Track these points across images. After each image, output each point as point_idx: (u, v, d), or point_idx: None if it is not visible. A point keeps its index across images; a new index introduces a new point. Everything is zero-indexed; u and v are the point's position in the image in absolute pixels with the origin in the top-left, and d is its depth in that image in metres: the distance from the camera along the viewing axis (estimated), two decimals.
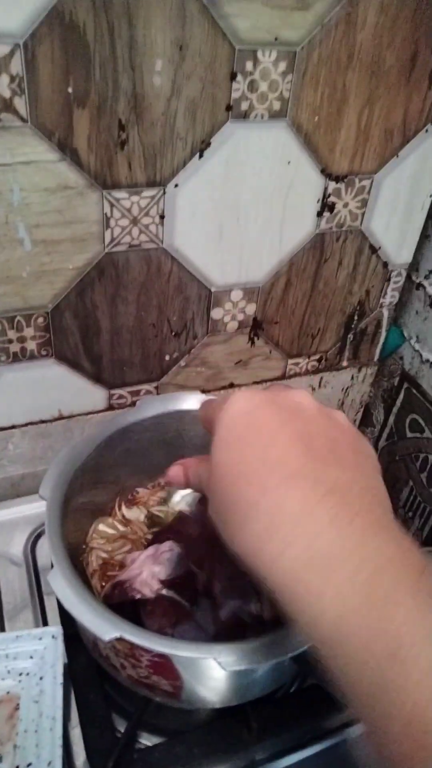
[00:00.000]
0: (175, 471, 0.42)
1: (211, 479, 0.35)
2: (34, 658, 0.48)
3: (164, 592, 0.50)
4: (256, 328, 0.69)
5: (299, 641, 0.41)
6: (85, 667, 0.54)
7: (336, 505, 0.30)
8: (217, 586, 0.49)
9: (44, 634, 0.49)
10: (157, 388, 0.69)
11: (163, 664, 0.43)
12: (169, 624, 0.50)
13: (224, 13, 0.47)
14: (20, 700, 0.46)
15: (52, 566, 0.45)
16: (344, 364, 0.78)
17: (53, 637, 0.49)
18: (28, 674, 0.48)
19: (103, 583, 0.54)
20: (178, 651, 0.40)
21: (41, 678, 0.47)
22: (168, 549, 0.52)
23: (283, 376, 0.75)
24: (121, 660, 0.46)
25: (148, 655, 0.42)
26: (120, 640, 0.41)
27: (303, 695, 0.53)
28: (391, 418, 0.81)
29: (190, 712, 0.52)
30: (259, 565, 0.31)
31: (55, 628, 0.49)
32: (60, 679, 0.46)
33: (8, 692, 0.47)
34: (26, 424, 0.66)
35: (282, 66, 0.51)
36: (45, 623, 0.59)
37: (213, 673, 0.42)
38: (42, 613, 0.59)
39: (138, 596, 0.50)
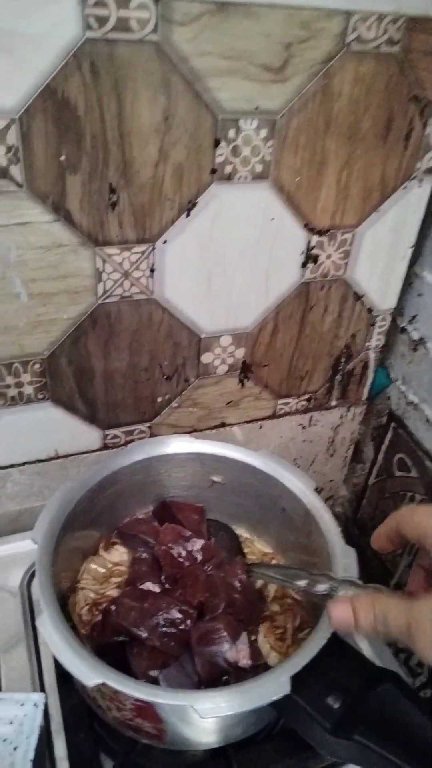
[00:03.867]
0: (343, 612, 0.39)
1: None
2: (14, 724, 0.47)
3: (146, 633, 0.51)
4: (245, 370, 0.71)
5: (276, 688, 0.43)
6: (76, 706, 0.56)
7: None
8: (193, 634, 0.51)
9: (27, 701, 0.48)
10: (150, 428, 0.71)
11: (146, 709, 0.45)
12: (156, 666, 0.51)
13: (207, 87, 0.50)
14: None
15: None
16: (333, 403, 0.80)
17: (35, 705, 0.49)
18: (5, 740, 0.46)
19: (92, 621, 0.56)
20: (158, 698, 0.42)
21: (15, 748, 0.46)
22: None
23: (274, 415, 0.78)
24: (107, 702, 0.48)
25: (132, 699, 0.44)
26: (103, 684, 0.43)
27: (285, 736, 0.55)
28: (380, 456, 0.82)
29: (176, 753, 0.53)
30: None
31: (38, 696, 0.49)
32: (31, 755, 0.45)
33: None
34: (24, 464, 0.68)
35: (263, 132, 0.54)
36: (38, 657, 0.60)
37: (194, 718, 0.43)
38: (36, 647, 0.61)
39: (120, 638, 0.51)
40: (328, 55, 0.51)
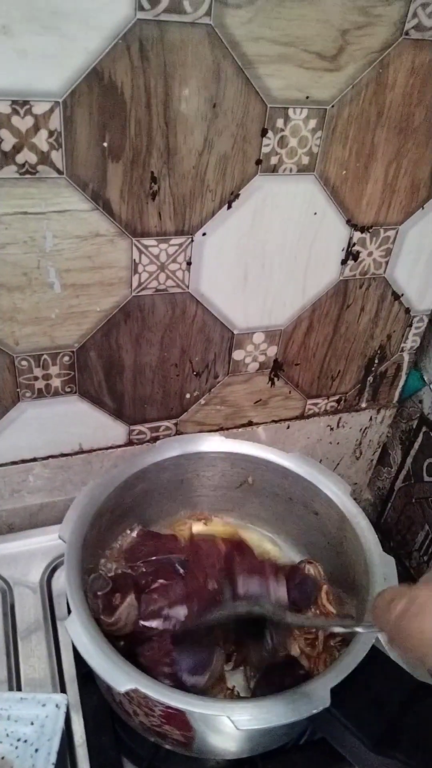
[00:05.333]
0: None
1: None
2: (35, 725, 0.47)
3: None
4: (276, 369, 0.69)
5: (316, 701, 0.41)
6: (98, 708, 0.54)
7: None
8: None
9: (48, 701, 0.48)
10: (176, 424, 0.70)
11: (176, 716, 0.43)
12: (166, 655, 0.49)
13: (258, 74, 0.48)
14: None
15: (68, 611, 0.46)
16: (363, 405, 0.78)
17: (57, 706, 0.47)
18: (25, 741, 0.47)
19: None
20: (193, 707, 0.40)
21: (36, 750, 0.46)
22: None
23: (302, 416, 0.76)
24: (134, 707, 0.46)
25: (162, 706, 0.43)
26: (135, 690, 0.41)
27: (314, 747, 0.53)
28: (409, 460, 0.80)
29: (201, 760, 0.52)
30: None
31: (60, 697, 0.48)
32: (53, 758, 0.45)
33: (3, 757, 0.46)
34: (47, 457, 0.67)
35: (312, 123, 0.52)
36: (58, 655, 0.59)
37: (226, 728, 0.42)
38: (56, 644, 0.60)
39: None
40: (384, 43, 0.49)
